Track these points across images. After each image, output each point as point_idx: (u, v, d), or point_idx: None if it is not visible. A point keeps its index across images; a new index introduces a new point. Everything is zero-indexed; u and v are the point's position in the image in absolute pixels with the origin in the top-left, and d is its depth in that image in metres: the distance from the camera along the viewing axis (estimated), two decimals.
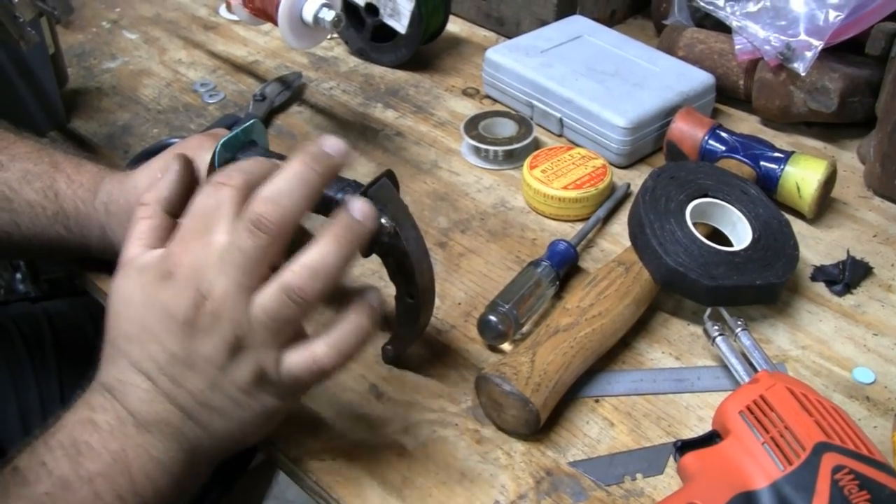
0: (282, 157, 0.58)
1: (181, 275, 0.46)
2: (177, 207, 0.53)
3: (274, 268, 0.46)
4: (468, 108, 0.92)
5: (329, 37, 1.00)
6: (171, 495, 0.48)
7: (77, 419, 0.47)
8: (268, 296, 0.45)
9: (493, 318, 0.61)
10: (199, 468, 0.49)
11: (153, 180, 0.60)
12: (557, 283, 0.66)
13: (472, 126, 0.83)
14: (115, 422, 0.46)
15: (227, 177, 0.48)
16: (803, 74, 0.80)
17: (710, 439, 0.50)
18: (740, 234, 0.67)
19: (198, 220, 0.48)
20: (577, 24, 0.95)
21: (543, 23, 0.98)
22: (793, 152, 0.75)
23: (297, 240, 0.47)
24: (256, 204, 0.45)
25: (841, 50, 0.82)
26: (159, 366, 0.47)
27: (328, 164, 0.47)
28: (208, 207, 0.47)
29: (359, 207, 0.47)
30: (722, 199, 0.68)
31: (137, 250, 0.50)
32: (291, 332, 0.47)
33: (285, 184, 0.46)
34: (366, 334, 0.48)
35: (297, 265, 0.46)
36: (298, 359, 0.47)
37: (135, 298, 0.48)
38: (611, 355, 0.62)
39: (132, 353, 0.47)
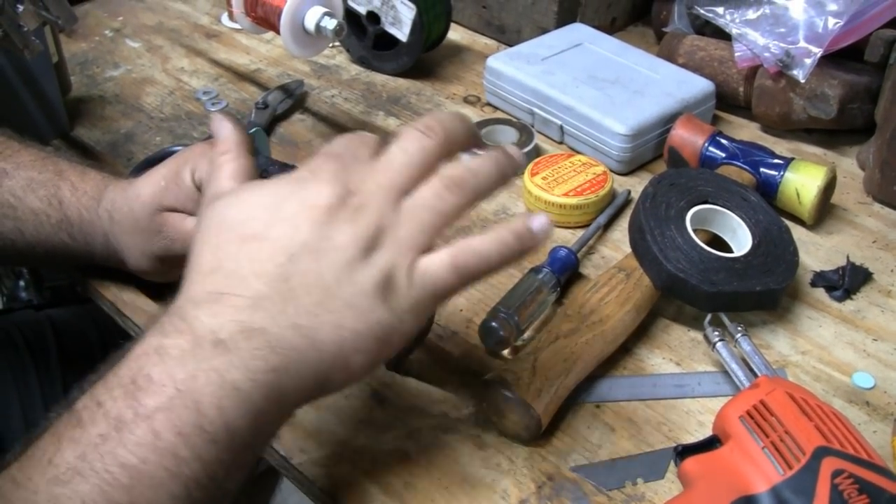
0: (284, 166, 0.58)
1: (326, 175, 0.44)
2: (252, 150, 0.51)
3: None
4: (469, 115, 0.92)
5: (331, 45, 1.00)
6: (247, 437, 0.40)
7: (143, 349, 0.40)
8: (422, 189, 0.45)
9: (494, 324, 0.62)
10: (285, 404, 0.42)
11: (157, 188, 0.60)
12: (558, 289, 0.67)
13: None
14: (188, 344, 0.40)
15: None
16: (803, 81, 0.81)
17: (710, 444, 0.50)
18: (740, 240, 0.68)
19: (337, 157, 0.46)
20: (578, 31, 0.96)
21: (544, 31, 0.99)
22: (792, 159, 0.75)
23: None
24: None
25: (840, 57, 0.82)
26: (278, 261, 0.42)
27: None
28: (344, 147, 0.47)
29: (513, 149, 0.49)
30: (722, 206, 0.69)
31: (232, 184, 0.47)
32: (434, 235, 0.44)
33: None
34: (510, 249, 0.46)
35: (457, 164, 0.46)
36: (436, 258, 0.44)
37: (255, 206, 0.44)
38: (612, 361, 0.62)
39: (242, 256, 0.42)
